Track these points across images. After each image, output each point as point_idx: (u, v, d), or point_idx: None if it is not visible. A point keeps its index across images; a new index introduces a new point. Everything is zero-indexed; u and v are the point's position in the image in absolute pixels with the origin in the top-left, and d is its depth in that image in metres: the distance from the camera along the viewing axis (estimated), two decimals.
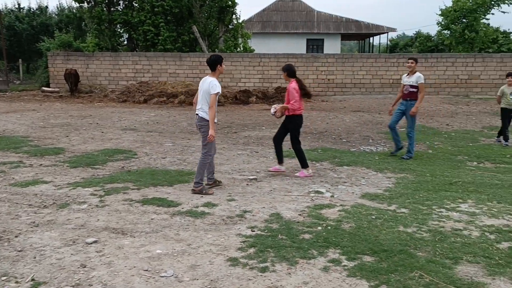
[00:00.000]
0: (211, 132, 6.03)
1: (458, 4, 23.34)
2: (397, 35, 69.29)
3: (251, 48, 25.28)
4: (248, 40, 26.16)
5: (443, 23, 24.25)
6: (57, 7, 33.17)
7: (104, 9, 23.24)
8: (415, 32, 52.89)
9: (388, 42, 58.05)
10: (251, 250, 4.21)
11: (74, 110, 15.21)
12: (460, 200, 5.79)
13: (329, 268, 3.86)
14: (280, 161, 7.42)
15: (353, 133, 11.25)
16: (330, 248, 4.26)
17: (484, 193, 6.10)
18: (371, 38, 49.21)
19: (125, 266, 3.88)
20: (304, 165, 7.22)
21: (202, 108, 6.17)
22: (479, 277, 3.72)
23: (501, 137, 10.08)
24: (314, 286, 3.58)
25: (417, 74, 8.38)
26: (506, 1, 23.56)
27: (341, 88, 21.98)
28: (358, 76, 21.89)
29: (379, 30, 42.45)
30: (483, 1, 22.62)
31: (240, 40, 24.62)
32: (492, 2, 23.09)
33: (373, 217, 5.11)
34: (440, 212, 5.33)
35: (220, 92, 6.25)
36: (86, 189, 6.18)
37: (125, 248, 4.25)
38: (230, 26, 24.14)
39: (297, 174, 7.19)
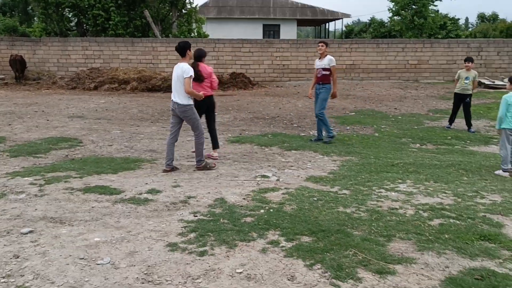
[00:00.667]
0: (200, 94, 6.54)
1: None
2: (352, 21, 70.45)
3: (206, 33, 24.99)
4: (203, 26, 25.86)
5: (393, 9, 24.78)
6: None
7: None
8: (369, 18, 53.94)
9: (344, 28, 58.91)
10: (192, 235, 4.21)
11: (19, 98, 14.62)
12: (400, 181, 5.99)
13: (267, 250, 3.92)
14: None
15: (304, 118, 11.39)
16: (270, 230, 4.32)
17: (423, 174, 6.34)
18: (327, 24, 49.65)
19: (60, 255, 3.80)
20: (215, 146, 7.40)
21: (178, 94, 6.40)
22: (409, 252, 3.88)
23: (472, 128, 9.96)
24: (251, 267, 3.62)
25: (328, 57, 8.34)
26: None
27: (296, 74, 22.13)
28: (312, 62, 21.96)
29: (334, 16, 42.84)
30: None
31: (194, 25, 24.26)
32: None
33: (315, 199, 5.21)
34: (380, 192, 5.50)
35: (193, 75, 6.39)
36: (26, 178, 5.97)
37: (61, 237, 4.16)
38: (183, 11, 23.71)
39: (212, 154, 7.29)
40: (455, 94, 10.31)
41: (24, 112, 11.56)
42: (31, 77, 20.63)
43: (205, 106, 7.23)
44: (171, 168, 6.55)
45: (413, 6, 23.88)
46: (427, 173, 6.38)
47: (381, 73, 21.94)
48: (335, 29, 55.38)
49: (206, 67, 7.20)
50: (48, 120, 10.52)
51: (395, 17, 24.97)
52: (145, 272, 3.55)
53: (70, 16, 22.34)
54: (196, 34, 24.20)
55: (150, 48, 21.60)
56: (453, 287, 3.30)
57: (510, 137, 6.41)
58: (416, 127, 10.21)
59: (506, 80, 18.34)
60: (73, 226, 4.44)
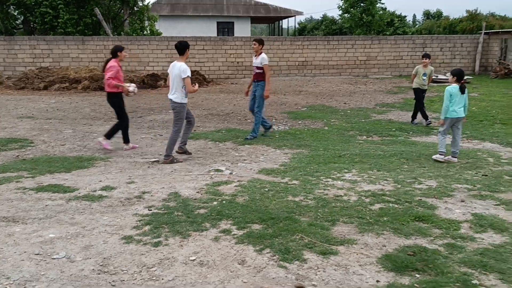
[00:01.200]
0: (195, 87, 6.94)
1: None
2: (305, 19, 71.65)
3: (158, 31, 24.82)
4: (156, 23, 25.65)
5: (343, 7, 25.53)
6: None
7: None
8: (321, 16, 55.06)
9: (297, 26, 59.74)
10: (146, 228, 4.35)
11: None
12: (346, 170, 6.34)
13: (219, 238, 4.13)
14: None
15: None
16: (223, 220, 4.53)
17: (367, 163, 6.73)
18: (281, 22, 50.19)
19: (15, 252, 3.85)
20: (109, 136, 7.76)
21: (176, 92, 6.86)
22: (351, 234, 4.19)
23: (416, 120, 10.22)
24: (204, 254, 3.82)
25: (262, 55, 8.39)
26: None
27: (250, 71, 22.27)
28: None
29: (287, 13, 43.45)
30: None
31: (146, 23, 24.04)
32: None
33: (266, 189, 5.47)
34: (327, 181, 5.82)
35: (190, 75, 6.76)
36: None
37: (15, 235, 4.20)
38: (135, 9, 23.44)
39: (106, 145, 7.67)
40: (415, 89, 10.35)
41: None
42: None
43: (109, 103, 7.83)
44: (183, 151, 7.21)
45: (362, 4, 24.67)
46: (371, 162, 6.77)
47: (332, 69, 22.57)
48: (288, 27, 56.05)
49: (112, 65, 7.45)
50: None
51: (345, 15, 25.70)
52: (101, 263, 3.67)
53: (16, 14, 21.56)
54: (148, 32, 23.97)
55: (101, 46, 21.23)
56: (389, 263, 3.63)
57: (448, 125, 6.89)
58: (363, 120, 10.68)
59: (448, 74, 19.34)
60: (26, 224, 4.48)
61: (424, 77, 10.25)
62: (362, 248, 3.93)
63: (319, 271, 3.55)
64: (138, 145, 8.04)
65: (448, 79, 18.76)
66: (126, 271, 3.55)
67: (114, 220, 4.56)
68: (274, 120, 10.75)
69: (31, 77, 18.68)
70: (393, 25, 35.29)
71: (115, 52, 7.57)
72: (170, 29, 37.07)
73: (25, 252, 3.86)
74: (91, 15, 21.98)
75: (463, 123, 7.12)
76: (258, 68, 8.51)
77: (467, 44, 23.03)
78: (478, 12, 30.37)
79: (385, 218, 4.53)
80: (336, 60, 22.55)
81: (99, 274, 3.51)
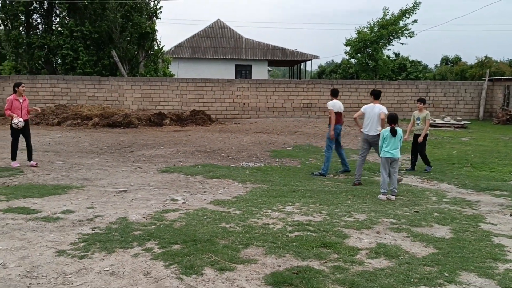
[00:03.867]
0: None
1: (359, 36, 25.65)
2: (326, 62, 73.20)
3: (171, 72, 26.17)
4: (177, 65, 27.03)
5: (350, 52, 26.45)
6: None
7: (23, 32, 23.34)
8: (341, 59, 56.23)
9: (317, 68, 61.14)
10: (81, 244, 4.98)
11: None
12: (290, 203, 6.86)
13: (139, 254, 4.71)
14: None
15: (242, 151, 12.30)
16: (151, 240, 5.12)
17: (315, 198, 7.23)
18: (302, 64, 51.50)
19: None
20: (14, 157, 9.75)
21: (374, 128, 8.49)
22: (256, 255, 4.70)
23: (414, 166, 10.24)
24: (118, 267, 4.40)
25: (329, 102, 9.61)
26: (405, 34, 26.07)
27: (256, 112, 23.26)
28: (271, 100, 23.31)
29: (304, 57, 44.78)
30: (381, 34, 25.00)
31: (160, 65, 25.44)
32: (391, 36, 25.54)
33: (206, 217, 6.04)
34: (266, 212, 6.35)
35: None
36: None
37: None
38: (150, 52, 24.90)
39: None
40: (414, 135, 10.35)
41: None
42: (6, 115, 21.31)
43: None
44: (359, 183, 8.34)
45: (368, 50, 25.54)
46: (318, 197, 7.27)
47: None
48: (311, 69, 57.15)
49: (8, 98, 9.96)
50: None
51: (352, 60, 26.59)
52: (28, 270, 4.30)
53: (40, 55, 23.25)
54: (161, 73, 25.32)
55: (116, 86, 22.60)
56: (271, 279, 4.13)
57: (386, 165, 7.39)
58: (339, 160, 11.15)
59: (446, 119, 19.74)
60: None
61: (418, 121, 10.25)
62: (258, 266, 4.43)
63: (208, 283, 4.08)
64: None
65: (445, 123, 19.15)
66: (45, 277, 4.16)
67: (58, 238, 5.21)
68: (254, 158, 11.37)
69: (47, 113, 20.00)
70: (406, 69, 35.93)
71: (14, 88, 9.80)
72: (190, 71, 38.77)
73: None
74: (109, 57, 23.46)
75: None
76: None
77: (471, 90, 23.39)
78: (487, 59, 30.77)
79: (294, 244, 5.03)
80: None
81: (22, 278, 4.13)
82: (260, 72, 42.60)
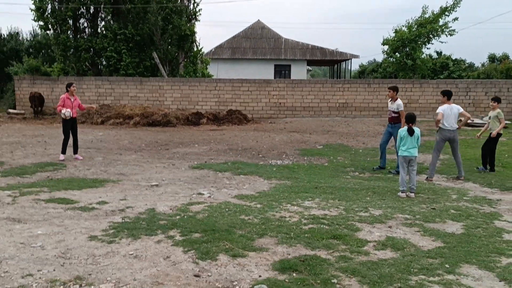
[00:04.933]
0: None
1: (397, 34, 25.36)
2: (368, 61, 72.29)
3: (209, 73, 26.81)
4: (216, 66, 27.67)
5: (387, 51, 26.20)
6: (30, 33, 34.31)
7: (70, 36, 24.62)
8: (382, 58, 55.35)
9: (358, 68, 60.49)
10: (111, 231, 5.47)
11: (30, 130, 16.38)
12: (310, 199, 7.14)
13: (161, 241, 5.15)
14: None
15: (273, 150, 12.64)
16: (174, 229, 5.55)
17: (335, 194, 7.47)
18: (343, 63, 51.12)
19: (7, 241, 5.10)
20: (63, 151, 10.72)
21: (454, 124, 9.03)
22: (269, 244, 5.04)
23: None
24: (141, 251, 4.85)
25: (398, 101, 9.74)
26: (445, 32, 25.56)
27: (292, 111, 23.50)
28: (307, 100, 23.49)
29: (343, 57, 44.58)
30: (420, 32, 24.62)
31: (199, 66, 26.14)
32: (431, 34, 25.10)
33: (227, 210, 6.42)
34: (285, 206, 6.66)
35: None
36: (5, 192, 7.38)
37: (14, 230, 5.48)
38: (190, 53, 25.64)
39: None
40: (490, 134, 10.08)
41: (28, 142, 13.20)
42: (48, 113, 22.70)
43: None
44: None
45: (406, 49, 25.23)
46: (339, 194, 7.50)
47: (372, 111, 23.12)
48: (350, 68, 56.59)
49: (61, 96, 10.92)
50: (45, 149, 12.08)
51: (390, 59, 26.35)
52: (63, 252, 4.82)
53: (86, 57, 24.46)
54: (200, 74, 26.01)
55: (157, 86, 23.47)
56: (279, 264, 4.45)
57: (404, 164, 7.53)
58: (368, 159, 11.31)
59: (485, 118, 19.31)
60: (26, 223, 5.76)
61: (489, 120, 10.13)
62: (269, 254, 4.77)
63: (221, 267, 4.45)
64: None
65: (484, 123, 18.76)
66: (77, 258, 4.66)
67: (91, 225, 5.73)
68: (284, 156, 11.68)
69: (92, 112, 21.03)
70: (448, 68, 35.10)
71: (66, 87, 10.86)
72: (230, 71, 39.49)
73: (14, 241, 5.10)
74: (150, 59, 24.36)
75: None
76: (394, 112, 9.76)
77: None
78: None
79: (306, 235, 5.32)
80: (377, 102, 23.10)
81: (57, 258, 4.65)
82: (299, 71, 42.75)
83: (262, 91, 23.46)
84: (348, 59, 45.28)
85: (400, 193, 7.45)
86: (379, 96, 23.08)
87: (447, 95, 9.35)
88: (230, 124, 19.89)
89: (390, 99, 9.97)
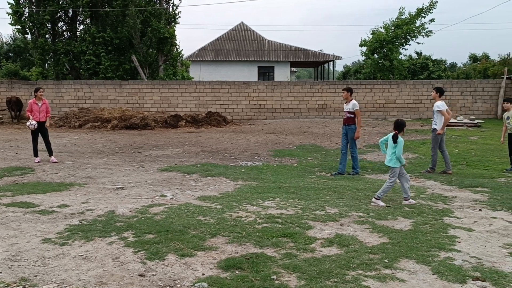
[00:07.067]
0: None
1: (374, 36, 25.68)
2: (352, 62, 72.90)
3: (189, 76, 26.90)
4: (199, 68, 27.74)
5: (366, 52, 26.51)
6: (10, 37, 34.15)
7: (49, 39, 24.53)
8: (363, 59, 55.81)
9: (342, 69, 60.95)
10: (66, 234, 5.53)
11: (5, 135, 16.31)
12: (270, 199, 7.26)
13: (114, 242, 5.22)
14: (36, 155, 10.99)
15: (246, 151, 12.75)
16: (128, 230, 5.63)
17: (296, 194, 7.60)
18: (327, 65, 51.38)
19: None
20: (35, 154, 10.94)
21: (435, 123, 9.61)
22: (219, 244, 5.14)
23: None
24: (92, 252, 4.92)
25: (353, 101, 9.63)
26: (422, 33, 25.94)
27: (272, 113, 23.68)
28: (286, 102, 23.68)
29: (326, 58, 44.95)
30: (396, 33, 24.95)
31: (179, 68, 26.21)
32: (408, 35, 25.46)
33: (186, 211, 6.51)
34: (245, 207, 6.77)
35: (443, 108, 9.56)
36: None
37: None
38: (169, 56, 25.69)
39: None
40: (509, 134, 10.03)
41: (0, 147, 13.14)
42: (26, 117, 22.54)
43: None
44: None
45: (384, 50, 25.55)
46: (300, 193, 7.63)
47: None
48: (334, 70, 57.03)
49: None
50: (16, 153, 12.06)
51: (368, 60, 26.67)
52: (14, 255, 4.87)
53: (65, 61, 24.38)
54: (180, 76, 26.08)
55: (136, 89, 23.47)
56: (224, 263, 4.55)
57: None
58: (338, 159, 11.43)
59: (460, 118, 19.65)
60: None
61: (508, 121, 9.97)
62: (217, 253, 4.87)
63: (167, 266, 4.54)
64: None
65: (458, 122, 19.08)
66: (26, 260, 4.72)
67: (47, 228, 5.78)
68: (256, 157, 11.80)
69: (70, 116, 21.03)
70: (428, 69, 35.58)
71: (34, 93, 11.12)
72: (214, 73, 39.60)
73: None
74: (130, 62, 24.36)
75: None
76: (349, 112, 9.69)
77: (488, 89, 23.13)
78: (510, 56, 30.18)
79: (258, 234, 5.43)
80: None
81: (6, 261, 4.70)
82: (282, 73, 42.99)
83: (242, 93, 23.60)
84: (331, 60, 45.66)
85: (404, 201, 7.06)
86: (357, 97, 23.25)
87: (440, 92, 9.64)
88: (209, 126, 19.98)
89: (345, 101, 9.93)
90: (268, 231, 5.55)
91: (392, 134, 7.17)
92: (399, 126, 7.16)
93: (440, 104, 9.56)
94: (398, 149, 6.99)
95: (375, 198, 7.01)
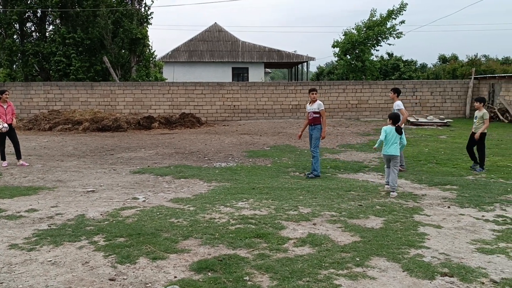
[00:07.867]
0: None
1: (346, 37, 26.04)
2: (326, 63, 73.68)
3: (162, 77, 26.66)
4: (172, 69, 27.51)
5: (338, 53, 26.82)
6: None
7: (17, 40, 23.92)
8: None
9: (316, 70, 61.44)
10: (34, 239, 5.40)
11: None
12: (244, 199, 7.25)
13: (84, 247, 5.12)
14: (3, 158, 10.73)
15: (220, 152, 12.70)
16: (99, 234, 5.53)
17: (270, 194, 7.61)
18: (300, 66, 51.71)
19: None
20: (3, 158, 10.72)
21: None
22: (192, 246, 5.10)
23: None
24: (61, 257, 4.81)
25: (318, 102, 9.65)
26: (393, 35, 26.41)
27: (246, 114, 23.67)
28: (260, 102, 23.72)
29: (300, 59, 45.24)
30: (368, 34, 25.35)
31: (152, 69, 25.94)
32: (379, 37, 25.89)
33: (158, 213, 6.44)
34: (218, 208, 6.74)
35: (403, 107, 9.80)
36: None
37: None
38: (142, 57, 25.41)
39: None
40: (471, 133, 10.23)
41: None
42: None
43: None
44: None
45: (356, 51, 25.90)
46: (274, 194, 7.65)
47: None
48: (307, 70, 57.49)
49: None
50: None
51: (341, 61, 26.98)
52: None
53: (33, 62, 23.81)
54: (153, 77, 25.82)
55: (108, 91, 23.10)
56: (196, 265, 4.52)
57: (386, 162, 7.97)
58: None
59: (429, 117, 20.05)
60: None
61: (475, 120, 10.13)
62: (189, 255, 4.83)
63: (138, 270, 4.48)
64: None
65: (428, 122, 19.47)
66: None
67: (14, 233, 5.63)
68: (230, 158, 11.76)
69: (40, 119, 20.51)
70: (399, 69, 36.20)
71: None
72: (188, 74, 39.36)
73: None
74: (101, 63, 23.98)
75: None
76: (315, 113, 9.68)
77: (457, 89, 23.69)
78: (478, 57, 31.03)
79: (231, 235, 5.42)
80: (328, 104, 23.49)
81: None
82: (257, 74, 43.09)
83: (216, 94, 23.52)
84: (305, 61, 45.99)
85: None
86: (330, 98, 23.57)
87: (397, 92, 10.05)
88: (183, 128, 19.82)
89: (309, 102, 9.91)
90: (241, 232, 5.54)
91: (392, 128, 7.83)
92: (396, 119, 7.97)
93: (399, 103, 9.93)
94: (403, 137, 7.92)
95: (391, 191, 7.58)
